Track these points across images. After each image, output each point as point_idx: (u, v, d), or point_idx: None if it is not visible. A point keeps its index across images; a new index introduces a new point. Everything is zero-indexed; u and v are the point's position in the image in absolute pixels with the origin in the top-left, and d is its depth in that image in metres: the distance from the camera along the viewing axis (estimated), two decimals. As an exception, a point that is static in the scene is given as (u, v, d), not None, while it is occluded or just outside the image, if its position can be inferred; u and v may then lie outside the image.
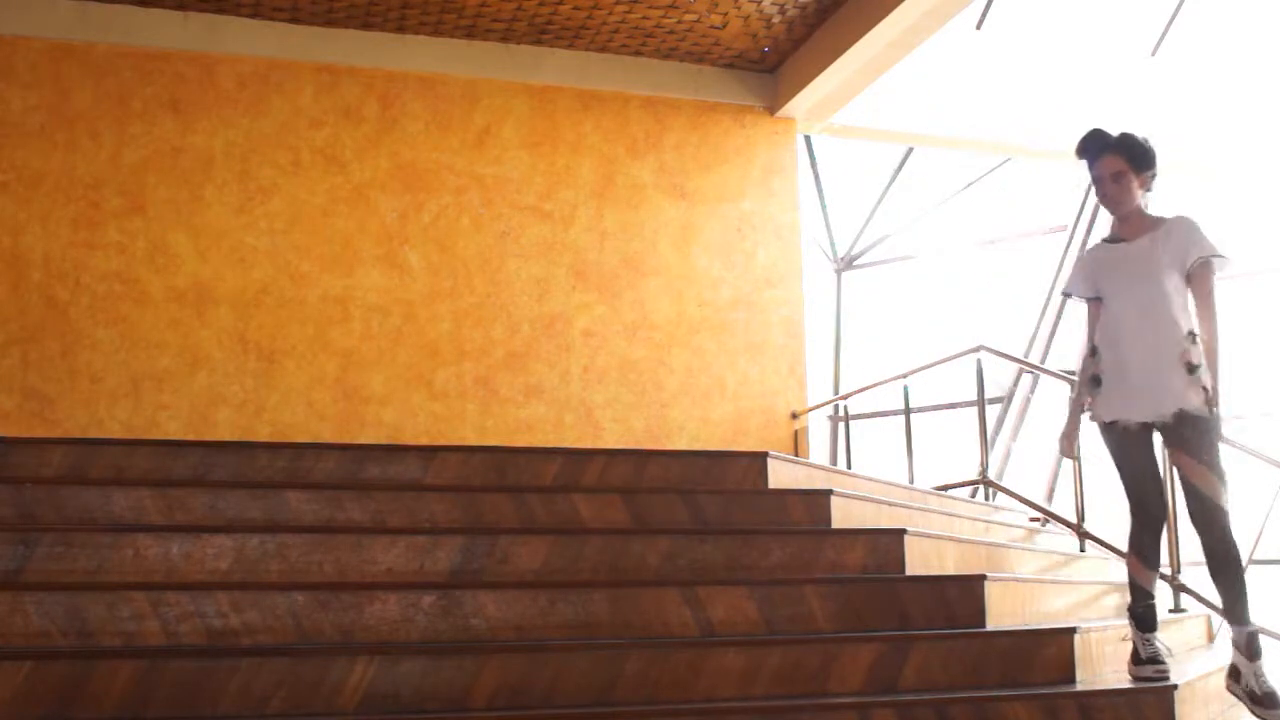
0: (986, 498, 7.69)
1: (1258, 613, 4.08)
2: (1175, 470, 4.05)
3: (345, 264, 7.88)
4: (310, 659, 3.31)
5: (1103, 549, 6.84)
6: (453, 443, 7.52)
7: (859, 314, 11.80)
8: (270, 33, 7.86)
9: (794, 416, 8.65)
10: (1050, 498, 9.53)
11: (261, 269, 7.72)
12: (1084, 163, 4.27)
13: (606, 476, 5.10)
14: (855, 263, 11.82)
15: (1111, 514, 8.92)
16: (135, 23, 7.64)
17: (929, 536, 4.84)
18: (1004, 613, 4.30)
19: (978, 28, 9.56)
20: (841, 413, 9.59)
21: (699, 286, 8.59)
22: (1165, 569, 5.64)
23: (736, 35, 8.32)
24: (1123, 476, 4.20)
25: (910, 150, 11.22)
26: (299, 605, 3.58)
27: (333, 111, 8.00)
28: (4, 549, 3.71)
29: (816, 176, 11.44)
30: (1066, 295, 4.40)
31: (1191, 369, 3.99)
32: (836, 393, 11.01)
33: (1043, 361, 10.18)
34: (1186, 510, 4.01)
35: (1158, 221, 4.18)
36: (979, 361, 7.72)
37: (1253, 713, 3.86)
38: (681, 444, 8.26)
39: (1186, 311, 4.07)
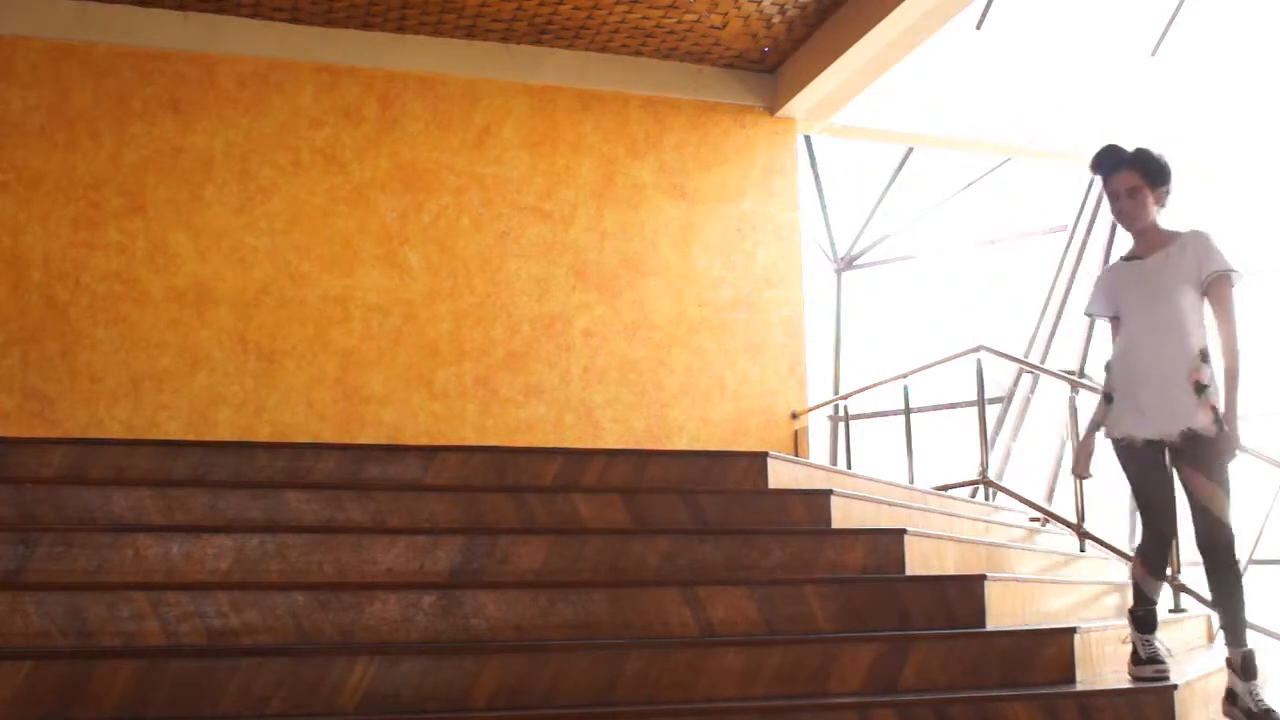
0: (986, 498, 7.69)
1: (1258, 613, 4.09)
2: (1183, 487, 4.04)
3: (345, 264, 7.88)
4: (310, 659, 3.31)
5: (1103, 549, 6.85)
6: (453, 443, 7.52)
7: (859, 314, 11.80)
8: (270, 33, 7.86)
9: (794, 416, 8.65)
10: (1050, 498, 9.54)
11: (261, 269, 7.72)
12: (1098, 176, 4.26)
13: (606, 476, 5.10)
14: (855, 263, 11.82)
15: (1111, 514, 8.94)
16: (135, 23, 7.64)
17: (929, 536, 4.84)
18: (1004, 613, 4.30)
19: (978, 28, 9.56)
20: (841, 413, 9.58)
21: (699, 286, 8.59)
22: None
23: (736, 35, 8.32)
24: (1134, 492, 4.19)
25: (910, 150, 11.22)
26: (299, 605, 3.58)
27: (333, 111, 8.00)
28: (4, 549, 3.71)
29: (816, 176, 11.45)
30: (1090, 315, 4.39)
31: (1200, 389, 3.98)
32: (836, 393, 11.02)
33: (1043, 361, 10.18)
34: (1192, 528, 4.00)
35: (1172, 236, 4.17)
36: (979, 361, 7.72)
37: None
38: (681, 444, 8.26)
39: (1201, 328, 4.05)
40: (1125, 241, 4.37)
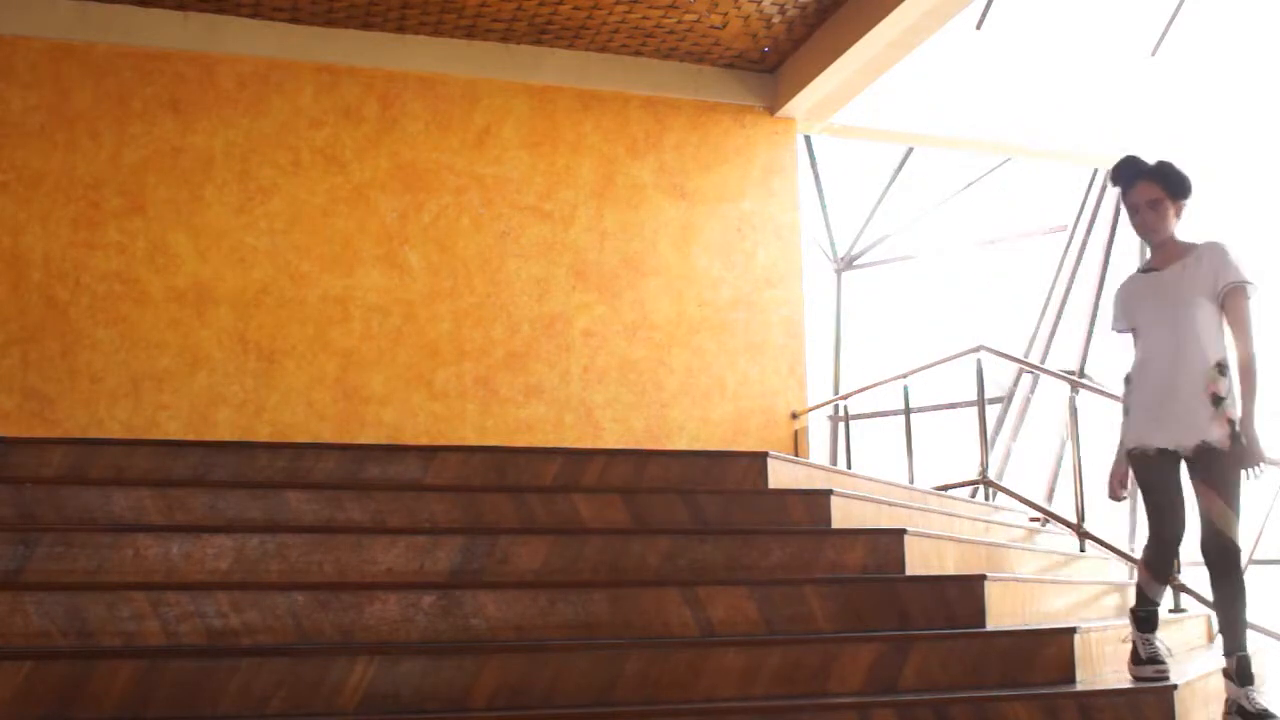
0: (986, 498, 7.69)
1: (1258, 613, 4.09)
2: (1196, 500, 4.04)
3: (345, 264, 7.88)
4: (310, 659, 3.31)
5: (1103, 549, 6.85)
6: (453, 443, 7.52)
7: (859, 314, 11.80)
8: (270, 33, 7.86)
9: (794, 416, 8.65)
10: (1050, 498, 9.54)
11: (261, 269, 7.72)
12: (1117, 189, 4.25)
13: (606, 476, 5.10)
14: (855, 263, 11.82)
15: (1111, 514, 8.93)
16: (135, 23, 7.64)
17: (929, 536, 4.84)
18: (1004, 613, 4.30)
19: (978, 28, 9.56)
20: (841, 413, 9.59)
21: (699, 286, 8.59)
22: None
23: (736, 35, 8.32)
24: (1144, 497, 4.18)
25: (910, 150, 11.22)
26: (299, 605, 3.58)
27: (333, 111, 8.00)
28: (4, 549, 3.72)
29: (816, 176, 11.45)
30: (1115, 332, 4.39)
31: (1217, 401, 3.98)
32: (836, 393, 11.02)
33: (1043, 361, 10.19)
34: (1200, 539, 4.00)
35: (1189, 248, 4.16)
36: (979, 361, 7.72)
37: None
38: (681, 444, 8.25)
39: (1217, 341, 4.05)
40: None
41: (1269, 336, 4.21)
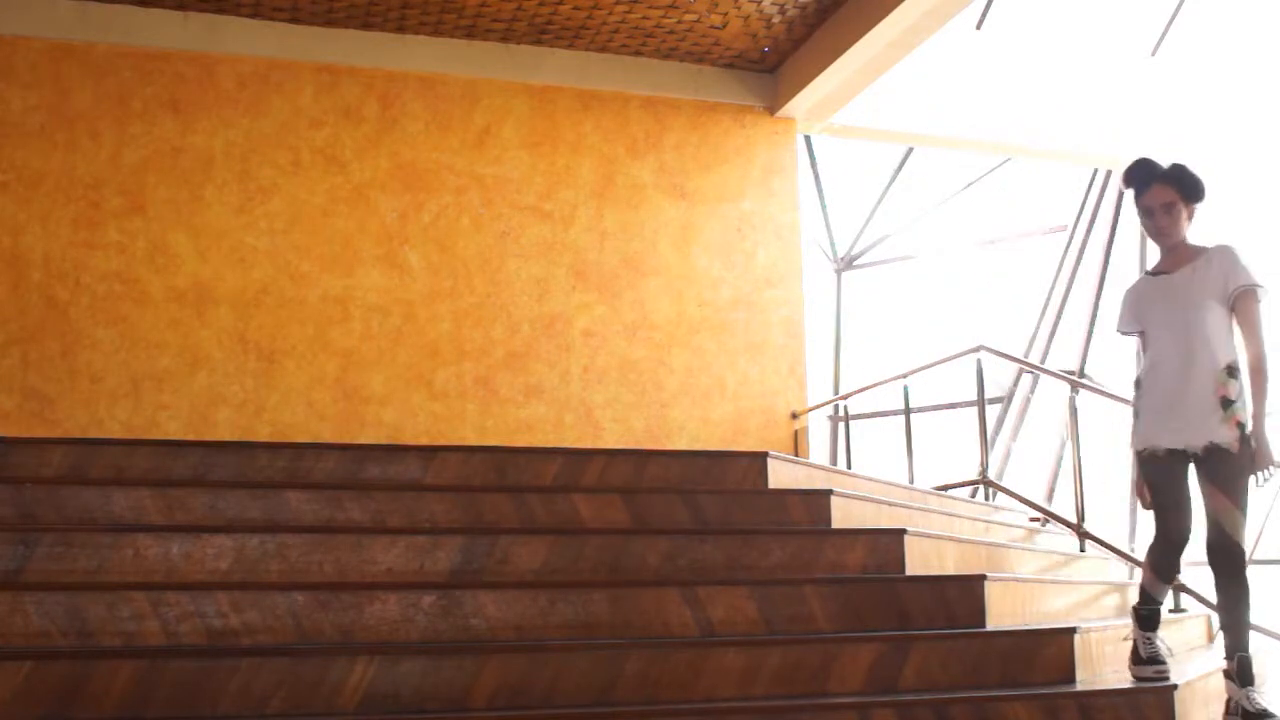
0: (986, 498, 7.69)
1: (1258, 613, 4.09)
2: (1203, 501, 4.04)
3: (345, 264, 7.88)
4: (310, 659, 3.31)
5: (1103, 549, 6.85)
6: (453, 443, 7.52)
7: (859, 314, 11.80)
8: (270, 33, 7.86)
9: (794, 416, 8.65)
10: (1050, 498, 9.54)
11: (261, 269, 7.72)
12: (1130, 191, 4.25)
13: (606, 476, 5.10)
14: (855, 263, 11.83)
15: (1112, 514, 8.94)
16: (135, 23, 7.64)
17: (929, 536, 4.84)
18: (1004, 613, 4.30)
19: (978, 28, 9.56)
20: (841, 413, 9.59)
21: (699, 286, 8.59)
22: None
23: (736, 35, 8.32)
24: (1153, 496, 4.18)
25: (910, 150, 11.22)
26: (299, 605, 3.58)
27: (333, 111, 8.00)
28: (4, 549, 3.72)
29: (816, 176, 11.45)
30: (1121, 333, 4.39)
31: (1226, 404, 3.98)
32: (836, 393, 11.02)
33: (1043, 361, 10.19)
34: (1205, 541, 4.00)
35: (1199, 251, 4.16)
36: (979, 361, 7.72)
37: None
38: (681, 444, 8.25)
39: (1228, 344, 4.05)
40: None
41: (1266, 332, 4.20)
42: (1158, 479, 4.12)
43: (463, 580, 3.99)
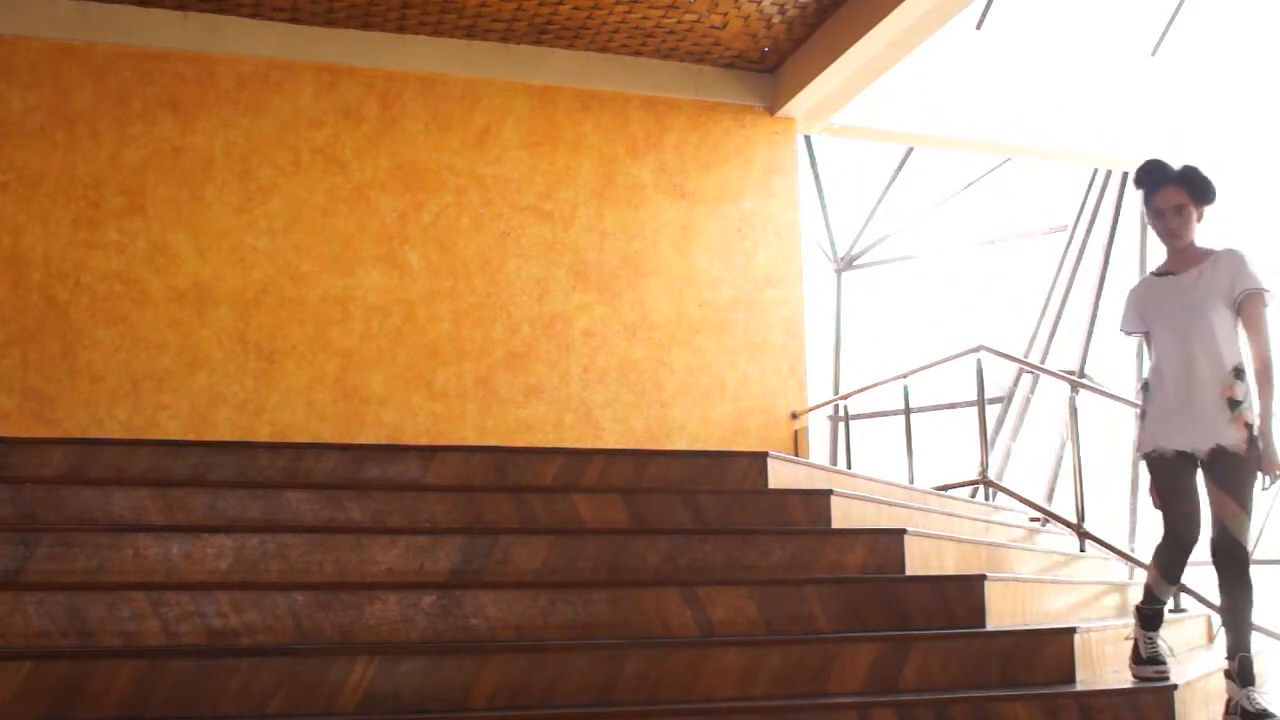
0: (986, 498, 7.69)
1: (1258, 613, 4.09)
2: (1209, 502, 4.04)
3: (345, 264, 7.88)
4: (310, 659, 3.31)
5: (1103, 549, 6.85)
6: (453, 443, 7.52)
7: (859, 314, 11.81)
8: (270, 33, 7.86)
9: (794, 416, 8.65)
10: (1050, 498, 9.54)
11: (261, 269, 7.72)
12: (1140, 192, 4.25)
13: (606, 476, 5.10)
14: (855, 263, 11.83)
15: (1112, 514, 8.93)
16: (135, 23, 7.64)
17: (929, 536, 4.84)
18: (1004, 613, 4.31)
19: (978, 28, 9.56)
20: (841, 413, 9.59)
21: (699, 286, 8.59)
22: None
23: (736, 35, 8.32)
24: (1161, 497, 4.18)
25: (910, 150, 11.23)
26: (299, 605, 3.58)
27: (333, 111, 8.00)
28: (4, 549, 3.72)
29: (816, 176, 11.46)
30: (1124, 333, 4.39)
31: (1233, 405, 3.99)
32: (836, 393, 11.02)
33: (1043, 361, 10.19)
34: (1210, 541, 4.00)
35: (1206, 253, 4.17)
36: (979, 361, 7.72)
37: None
38: (681, 444, 8.25)
39: (1234, 346, 4.06)
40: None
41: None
42: (1167, 481, 4.12)
43: (463, 580, 3.99)
